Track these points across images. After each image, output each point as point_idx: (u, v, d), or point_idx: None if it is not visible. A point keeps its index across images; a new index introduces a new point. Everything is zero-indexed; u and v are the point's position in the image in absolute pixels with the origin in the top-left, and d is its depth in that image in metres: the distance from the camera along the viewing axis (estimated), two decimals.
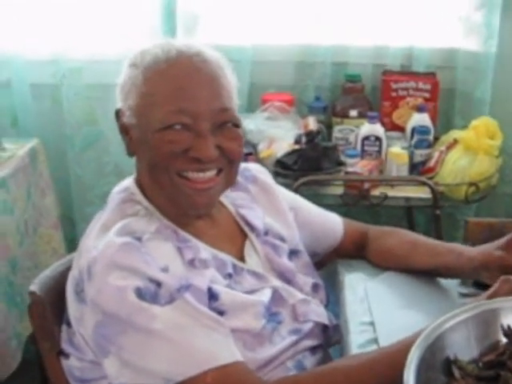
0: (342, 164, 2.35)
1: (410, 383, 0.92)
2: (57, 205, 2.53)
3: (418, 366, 0.95)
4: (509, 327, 1.09)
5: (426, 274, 1.51)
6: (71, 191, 2.79)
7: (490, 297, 1.18)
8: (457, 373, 1.02)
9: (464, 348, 1.05)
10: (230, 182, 1.36)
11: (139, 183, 1.35)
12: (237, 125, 1.31)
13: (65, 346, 1.32)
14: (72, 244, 2.63)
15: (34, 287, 1.35)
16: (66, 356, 1.31)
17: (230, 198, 1.46)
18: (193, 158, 1.25)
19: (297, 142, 2.37)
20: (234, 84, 1.34)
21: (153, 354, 1.14)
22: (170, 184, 1.28)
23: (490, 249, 1.40)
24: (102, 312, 1.17)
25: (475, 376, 1.02)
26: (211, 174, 1.28)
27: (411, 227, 2.66)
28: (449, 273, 1.48)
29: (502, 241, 1.39)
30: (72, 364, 1.30)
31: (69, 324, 1.29)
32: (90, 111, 2.71)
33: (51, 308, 1.34)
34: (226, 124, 1.29)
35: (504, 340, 1.08)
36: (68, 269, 1.33)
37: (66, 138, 2.73)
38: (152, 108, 1.26)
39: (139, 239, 1.21)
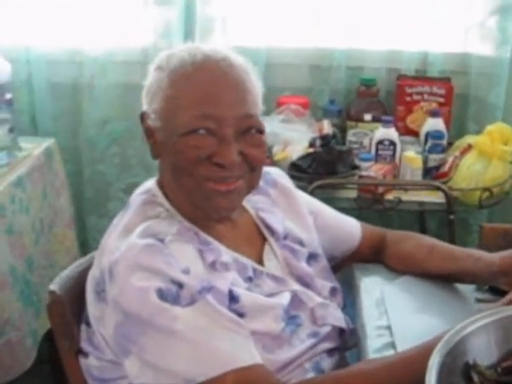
0: (356, 168, 2.35)
1: None
2: (71, 204, 2.55)
3: (440, 371, 0.96)
4: None
5: (443, 278, 1.52)
6: (88, 190, 2.83)
7: (510, 302, 1.19)
8: (476, 378, 1.03)
9: (484, 353, 1.05)
10: (253, 186, 1.36)
11: (161, 185, 1.36)
12: (261, 131, 1.31)
13: (84, 346, 1.33)
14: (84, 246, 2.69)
15: (53, 286, 1.36)
16: (85, 355, 1.33)
17: (250, 202, 1.46)
18: (216, 163, 1.26)
19: (311, 145, 2.38)
20: (259, 89, 1.34)
21: (174, 354, 1.15)
22: (195, 187, 1.28)
23: (509, 254, 1.41)
24: (123, 312, 1.17)
25: (494, 381, 1.03)
26: (234, 179, 1.29)
27: (423, 232, 2.66)
28: (466, 278, 1.48)
29: None
30: (91, 363, 1.31)
31: (88, 323, 1.30)
32: (111, 109, 2.75)
33: (70, 307, 1.35)
34: (250, 130, 1.29)
35: None
36: (87, 269, 1.34)
37: (88, 136, 2.77)
38: (177, 111, 1.27)
39: (162, 241, 1.22)
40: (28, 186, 2.24)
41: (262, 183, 1.48)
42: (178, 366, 1.14)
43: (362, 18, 2.68)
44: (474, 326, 1.06)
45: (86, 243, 2.79)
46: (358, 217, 1.72)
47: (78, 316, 1.34)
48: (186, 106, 1.26)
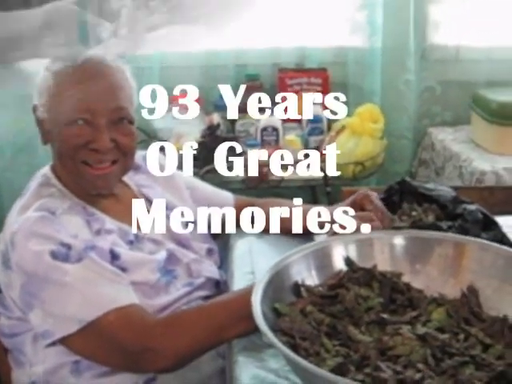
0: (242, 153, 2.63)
1: (257, 297, 1.17)
2: None
3: (266, 286, 1.20)
4: (348, 257, 1.35)
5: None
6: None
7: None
8: (304, 292, 1.26)
9: (307, 277, 1.30)
10: (126, 169, 1.62)
11: (54, 169, 1.60)
12: (131, 122, 1.58)
13: None
14: None
15: None
16: None
17: (133, 180, 1.72)
18: (92, 149, 1.52)
19: (203, 136, 2.65)
20: (132, 87, 1.61)
21: (66, 302, 1.40)
22: (76, 170, 1.54)
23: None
24: (24, 273, 1.42)
25: (320, 296, 1.26)
26: (108, 163, 1.55)
27: (316, 203, 2.91)
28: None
29: (347, 201, 1.66)
30: (3, 323, 1.54)
31: None
32: (16, 121, 2.91)
33: None
34: (122, 121, 1.55)
35: (345, 268, 1.33)
36: None
37: None
38: (60, 106, 1.52)
39: (53, 213, 1.47)
40: None
41: (143, 164, 1.75)
42: (71, 310, 1.39)
43: (244, 20, 2.95)
44: (299, 255, 1.31)
45: None
46: (259, 196, 1.97)
47: None
48: (67, 101, 1.51)
